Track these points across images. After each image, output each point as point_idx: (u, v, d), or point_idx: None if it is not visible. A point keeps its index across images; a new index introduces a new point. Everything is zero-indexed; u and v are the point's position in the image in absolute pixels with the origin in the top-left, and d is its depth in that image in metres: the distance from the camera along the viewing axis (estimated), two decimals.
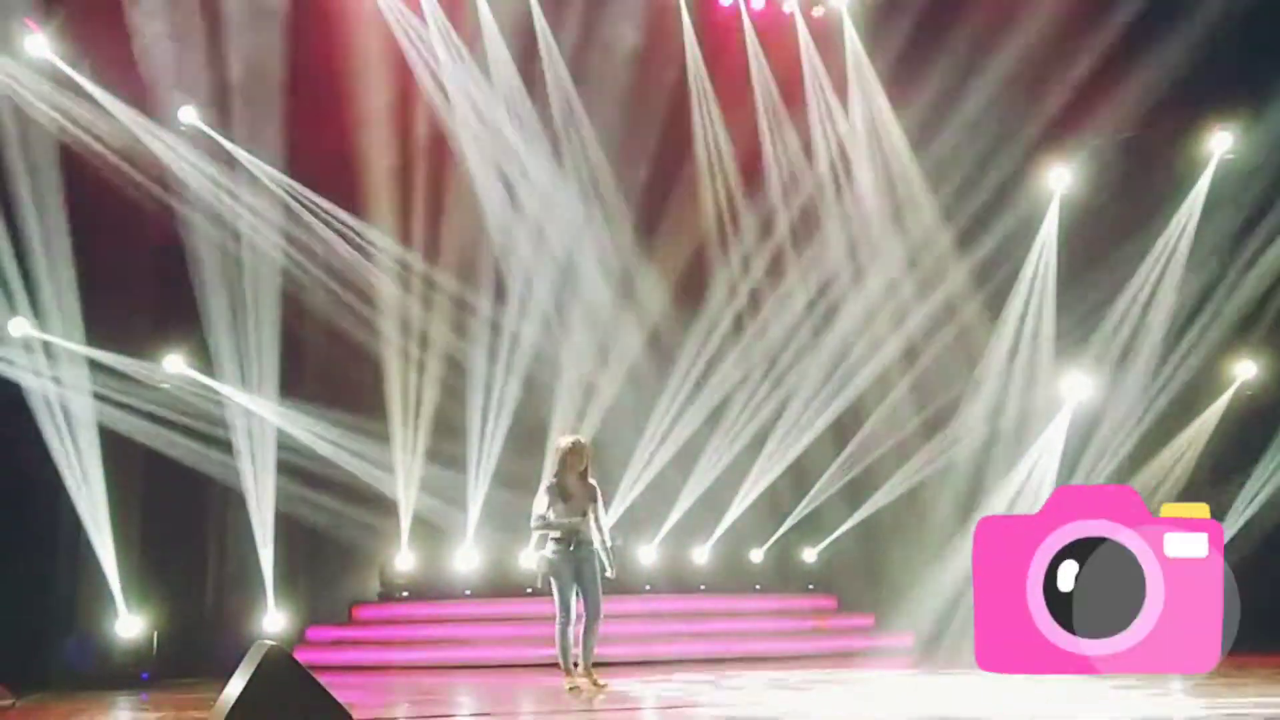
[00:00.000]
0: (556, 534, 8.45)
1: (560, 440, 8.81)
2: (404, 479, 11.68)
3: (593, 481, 8.68)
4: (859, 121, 13.39)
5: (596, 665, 8.64)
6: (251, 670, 5.79)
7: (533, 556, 8.72)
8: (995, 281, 12.98)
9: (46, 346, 10.45)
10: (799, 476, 13.01)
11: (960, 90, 12.49)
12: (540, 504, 8.54)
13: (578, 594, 8.51)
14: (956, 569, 12.20)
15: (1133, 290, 12.40)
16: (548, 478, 8.69)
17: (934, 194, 13.02)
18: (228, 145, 11.24)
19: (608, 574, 8.62)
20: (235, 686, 5.84)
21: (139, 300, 11.07)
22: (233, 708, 5.71)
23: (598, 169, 12.61)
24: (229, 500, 11.26)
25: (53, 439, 10.26)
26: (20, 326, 10.35)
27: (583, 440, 8.79)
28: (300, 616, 11.57)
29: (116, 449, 10.57)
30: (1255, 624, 11.28)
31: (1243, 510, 11.70)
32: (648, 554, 12.89)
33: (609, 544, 8.64)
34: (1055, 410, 12.34)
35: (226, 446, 10.99)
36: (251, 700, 5.70)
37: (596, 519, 8.58)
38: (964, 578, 12.09)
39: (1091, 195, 12.77)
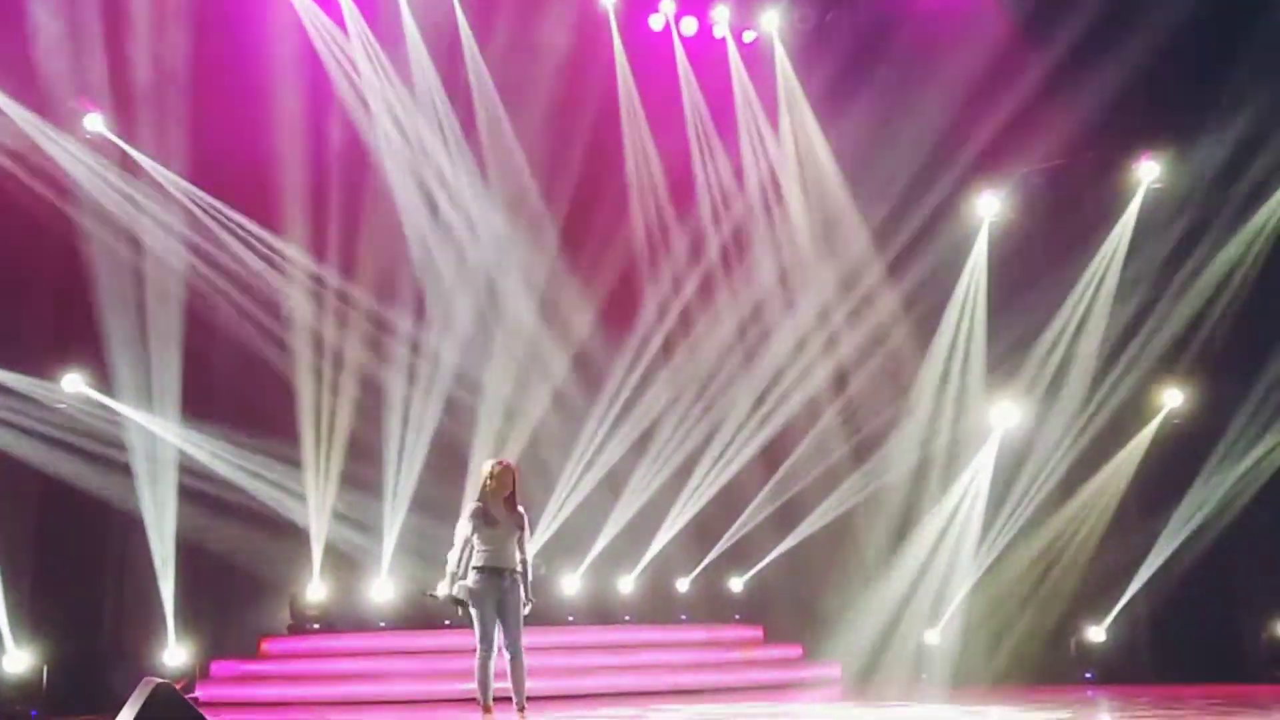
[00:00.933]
0: (479, 562, 8.06)
1: (486, 464, 8.42)
2: (316, 505, 11.20)
3: (520, 509, 8.33)
4: (790, 146, 13.27)
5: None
6: (137, 709, 5.36)
7: (445, 587, 8.32)
8: (925, 307, 12.89)
9: None
10: (727, 504, 12.75)
11: (890, 117, 12.42)
12: (463, 530, 8.15)
13: (499, 625, 8.12)
14: (886, 598, 12.06)
15: (1063, 318, 12.37)
16: (472, 502, 8.31)
17: (865, 219, 12.92)
18: (134, 154, 10.75)
19: (525, 605, 8.26)
20: None
21: (35, 315, 10.49)
22: None
23: (524, 188, 12.32)
24: (129, 527, 10.69)
25: None
26: None
27: (511, 464, 8.42)
28: (204, 650, 11.00)
29: (6, 472, 9.97)
30: (1185, 655, 11.37)
31: (1168, 542, 11.66)
32: (571, 583, 12.51)
33: (531, 575, 8.29)
34: (986, 437, 12.24)
35: (126, 470, 10.43)
36: None
37: (521, 547, 8.23)
38: (891, 607, 11.96)
39: (1021, 223, 12.75)
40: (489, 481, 8.19)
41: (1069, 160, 12.51)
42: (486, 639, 8.08)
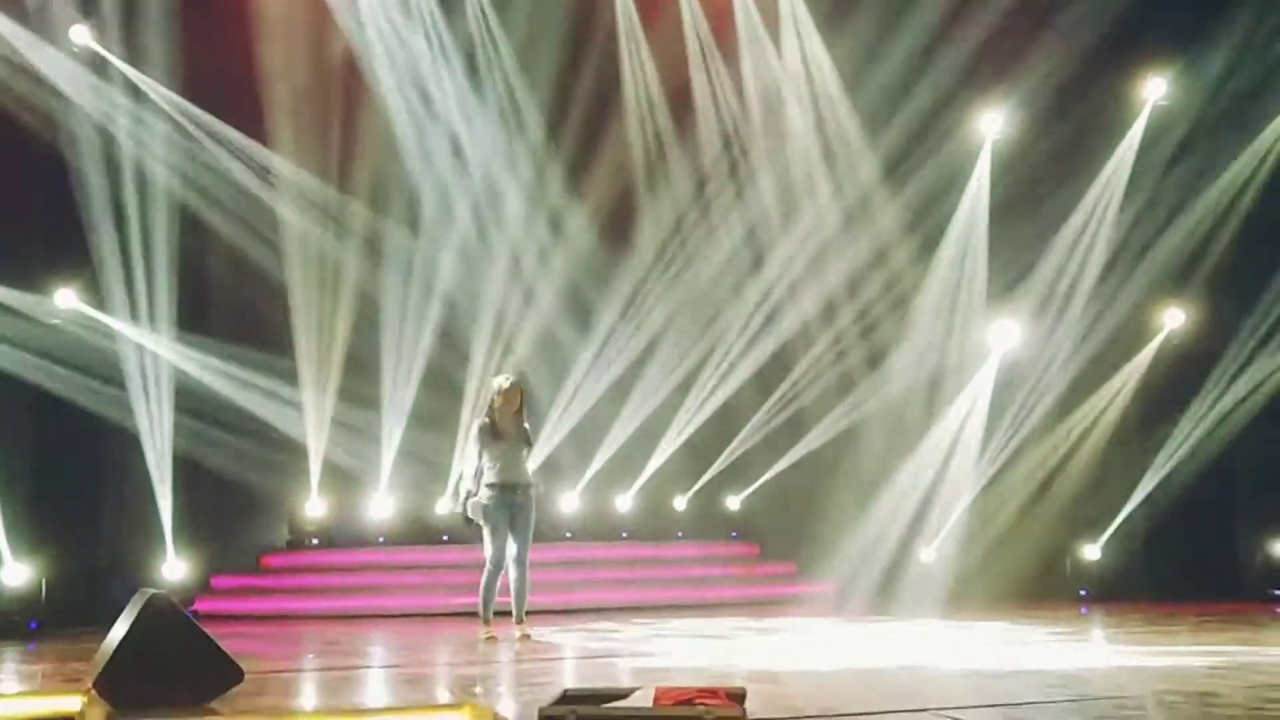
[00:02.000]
0: (490, 479, 8.09)
1: (495, 380, 8.44)
2: (314, 420, 11.18)
3: (527, 425, 8.36)
4: (791, 61, 13.01)
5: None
6: (133, 618, 5.35)
7: (449, 503, 8.36)
8: (927, 226, 12.74)
9: None
10: (724, 422, 12.72)
11: (893, 32, 12.14)
12: (472, 448, 8.17)
13: (510, 540, 8.15)
14: (878, 517, 12.11)
15: (1066, 236, 12.23)
16: (479, 417, 8.33)
17: (866, 135, 12.71)
18: (121, 66, 10.55)
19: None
20: (116, 635, 5.40)
21: (26, 231, 10.36)
22: (112, 657, 5.27)
23: (519, 100, 12.09)
24: (126, 443, 10.68)
25: None
26: None
27: (518, 380, 8.43)
28: (205, 564, 11.08)
29: (1, 388, 9.94)
30: (1179, 573, 11.42)
31: (1166, 461, 11.68)
32: (569, 501, 12.54)
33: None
34: (986, 356, 12.20)
35: (121, 385, 10.41)
36: (132, 649, 5.27)
37: (530, 460, 8.31)
38: (885, 525, 12.01)
39: (1024, 141, 12.55)
40: (497, 398, 8.20)
41: (1074, 76, 12.25)
42: (498, 555, 8.12)
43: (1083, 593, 11.78)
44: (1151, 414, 11.98)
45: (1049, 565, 11.99)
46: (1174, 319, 12.07)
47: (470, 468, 8.22)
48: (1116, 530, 11.83)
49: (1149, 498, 11.66)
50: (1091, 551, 11.90)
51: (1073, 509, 11.97)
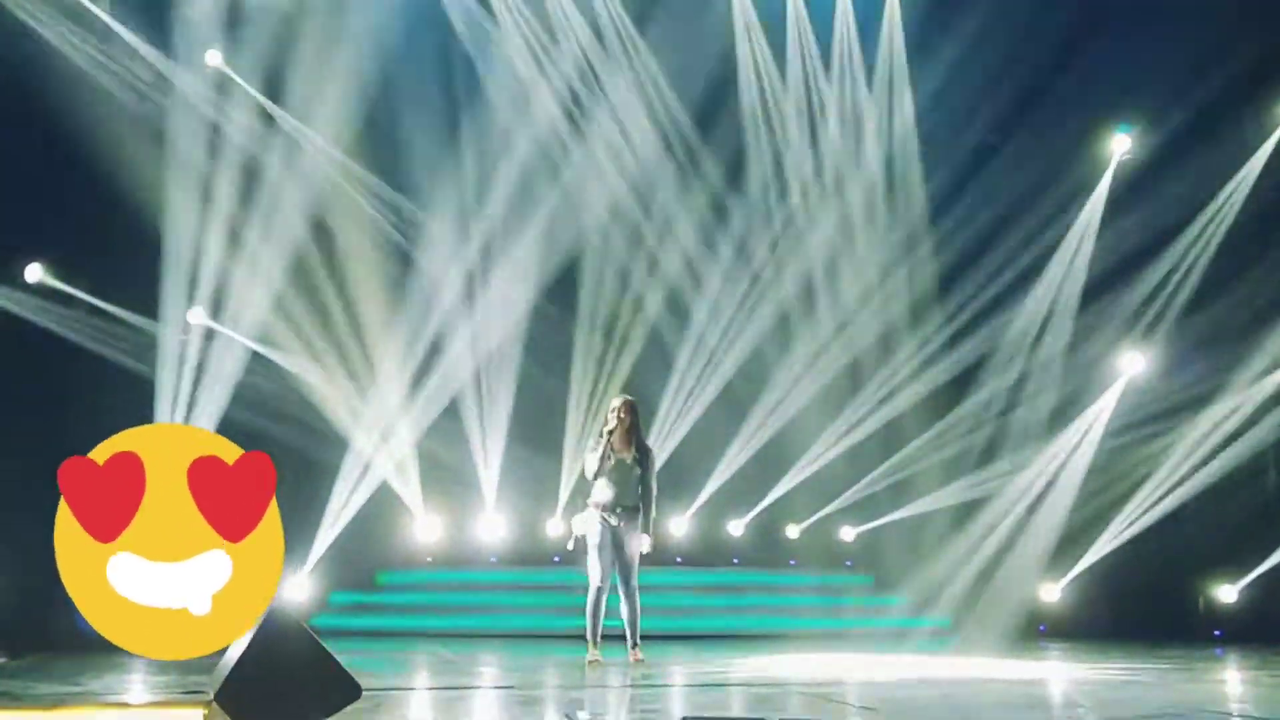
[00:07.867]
0: (601, 499, 8.07)
1: (615, 399, 8.39)
2: (422, 439, 11.35)
3: (649, 443, 8.31)
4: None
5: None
6: (255, 632, 5.42)
7: (558, 524, 8.37)
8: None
9: None
10: (851, 462, 12.50)
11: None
12: (591, 462, 8.14)
13: (615, 563, 8.12)
14: (999, 550, 11.81)
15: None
16: (595, 436, 8.34)
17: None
18: (261, 99, 10.95)
19: (643, 548, 8.21)
20: (238, 648, 5.48)
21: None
22: (233, 670, 5.35)
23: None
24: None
25: None
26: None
27: (631, 399, 8.38)
28: (324, 581, 11.24)
29: None
30: None
31: None
32: (679, 525, 12.44)
33: (653, 514, 8.24)
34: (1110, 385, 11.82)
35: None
36: (254, 663, 5.33)
37: (644, 484, 8.18)
38: (1000, 563, 11.70)
39: (1152, 163, 12.17)
40: (611, 416, 8.19)
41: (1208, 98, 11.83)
42: (602, 576, 8.09)
43: (1217, 634, 11.28)
44: None
45: (1180, 604, 11.55)
46: None
47: (591, 485, 8.20)
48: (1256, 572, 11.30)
49: None
50: (1228, 594, 11.40)
51: (1207, 546, 11.52)
